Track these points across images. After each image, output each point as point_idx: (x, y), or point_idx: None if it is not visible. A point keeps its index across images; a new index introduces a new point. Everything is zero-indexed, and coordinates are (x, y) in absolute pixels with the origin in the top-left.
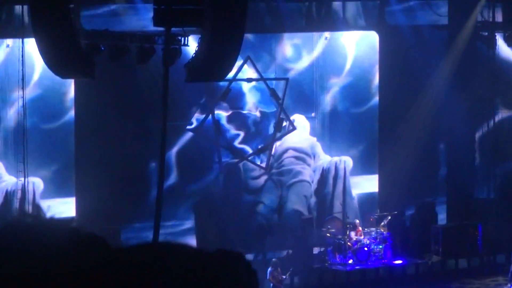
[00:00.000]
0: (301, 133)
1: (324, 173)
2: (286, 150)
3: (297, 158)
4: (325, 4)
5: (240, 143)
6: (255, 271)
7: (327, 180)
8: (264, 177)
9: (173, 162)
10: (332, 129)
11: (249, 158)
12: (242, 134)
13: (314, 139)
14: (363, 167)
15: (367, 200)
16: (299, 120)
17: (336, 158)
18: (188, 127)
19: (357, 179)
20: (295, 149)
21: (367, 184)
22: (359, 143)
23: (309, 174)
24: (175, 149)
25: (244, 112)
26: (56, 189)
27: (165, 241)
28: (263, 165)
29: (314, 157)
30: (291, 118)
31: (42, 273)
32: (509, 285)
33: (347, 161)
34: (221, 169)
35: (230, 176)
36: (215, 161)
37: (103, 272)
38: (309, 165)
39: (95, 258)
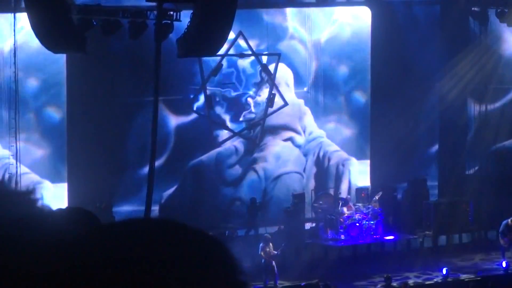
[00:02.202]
0: (285, 92)
1: (321, 167)
2: (270, 129)
3: (284, 139)
4: None
5: (232, 118)
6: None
7: (326, 182)
8: (244, 165)
9: (169, 137)
10: (326, 105)
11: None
12: (234, 109)
13: (301, 102)
14: (356, 147)
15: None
16: (281, 72)
17: (339, 155)
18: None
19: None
20: (281, 127)
21: (360, 171)
22: (352, 119)
23: (299, 162)
24: (169, 124)
25: (236, 87)
26: (48, 173)
27: (158, 217)
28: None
29: (304, 131)
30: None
31: (23, 250)
32: (503, 260)
33: (352, 165)
34: (214, 144)
35: (201, 173)
36: (210, 137)
37: (92, 247)
38: (298, 146)
39: (84, 232)
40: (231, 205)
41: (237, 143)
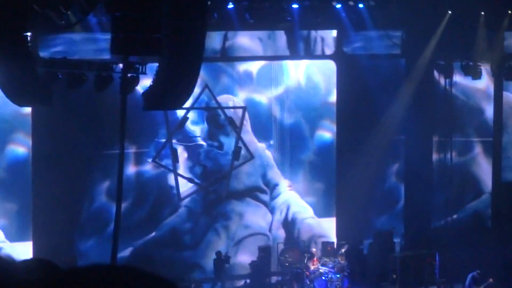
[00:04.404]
0: (250, 144)
1: (289, 231)
2: (234, 184)
3: (248, 195)
4: (282, 33)
5: (198, 171)
6: None
7: (292, 236)
8: (202, 227)
9: (131, 190)
10: (292, 159)
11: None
12: (199, 162)
13: (268, 154)
14: (323, 202)
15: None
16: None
17: (308, 224)
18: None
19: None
20: (245, 181)
21: (327, 228)
22: (319, 173)
23: (265, 220)
24: (134, 177)
25: (202, 140)
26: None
27: (124, 264)
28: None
29: (268, 186)
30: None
31: None
32: None
33: (320, 229)
34: (179, 199)
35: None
36: (174, 192)
37: None
38: (265, 202)
39: (42, 279)
40: (190, 273)
41: (189, 202)
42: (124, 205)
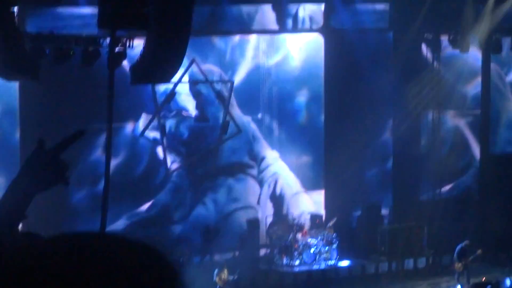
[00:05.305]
0: (232, 111)
1: (277, 202)
2: (221, 157)
3: (236, 169)
4: (270, 7)
5: (186, 145)
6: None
7: (281, 209)
8: (191, 201)
9: (117, 166)
10: (280, 131)
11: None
12: (187, 136)
13: (255, 128)
14: (311, 174)
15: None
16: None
17: (296, 193)
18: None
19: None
20: (233, 155)
21: (316, 200)
22: (307, 146)
23: (254, 194)
24: (120, 151)
25: (190, 114)
26: None
27: (112, 232)
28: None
29: (256, 159)
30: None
31: None
32: (457, 285)
33: (308, 199)
34: (167, 173)
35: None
36: (162, 166)
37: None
38: (253, 175)
39: (28, 247)
40: (179, 246)
41: (177, 177)
42: (112, 181)
